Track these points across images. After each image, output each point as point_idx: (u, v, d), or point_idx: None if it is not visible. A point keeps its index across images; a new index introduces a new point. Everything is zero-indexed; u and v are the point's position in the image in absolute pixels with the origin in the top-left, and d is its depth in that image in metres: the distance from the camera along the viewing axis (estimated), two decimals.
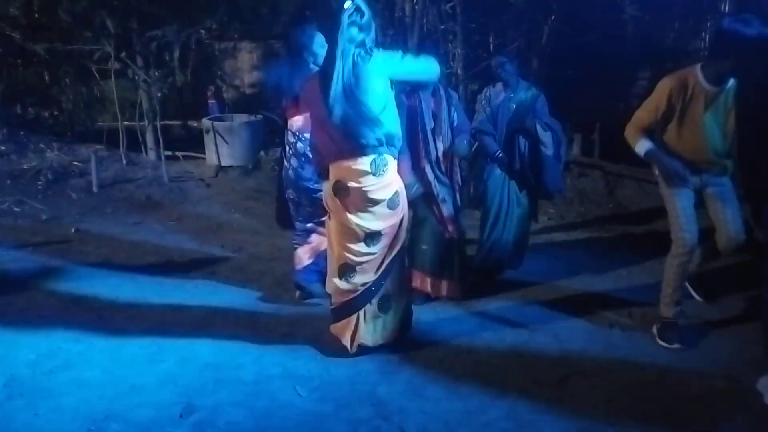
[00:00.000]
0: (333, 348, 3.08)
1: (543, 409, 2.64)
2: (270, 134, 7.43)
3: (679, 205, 3.07)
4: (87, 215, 5.56)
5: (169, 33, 6.74)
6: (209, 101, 8.03)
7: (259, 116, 7.41)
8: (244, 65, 8.79)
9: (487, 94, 3.98)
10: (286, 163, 3.61)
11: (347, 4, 2.81)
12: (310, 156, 3.30)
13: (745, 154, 2.85)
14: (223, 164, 6.91)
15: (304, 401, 2.70)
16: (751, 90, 2.82)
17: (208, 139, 6.96)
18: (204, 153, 7.12)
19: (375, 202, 2.91)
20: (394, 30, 6.28)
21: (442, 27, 6.23)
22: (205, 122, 7.07)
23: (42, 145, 7.18)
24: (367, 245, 2.97)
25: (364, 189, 2.88)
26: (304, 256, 3.69)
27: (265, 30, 8.34)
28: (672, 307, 3.19)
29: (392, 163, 2.96)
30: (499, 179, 3.95)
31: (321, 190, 3.14)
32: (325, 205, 3.07)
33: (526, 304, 3.71)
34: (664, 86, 3.01)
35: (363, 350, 3.06)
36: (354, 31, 2.80)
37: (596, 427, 2.52)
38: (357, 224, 2.93)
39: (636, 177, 5.97)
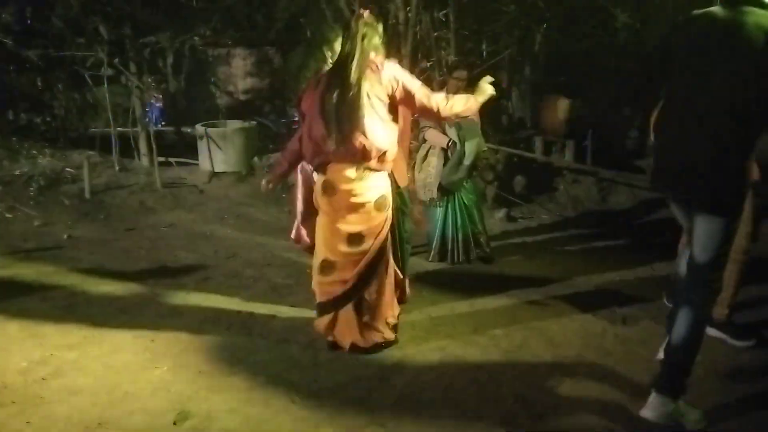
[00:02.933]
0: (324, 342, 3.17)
1: (537, 415, 2.64)
2: (264, 140, 7.45)
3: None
4: (79, 221, 5.53)
5: (163, 39, 6.75)
6: (151, 102, 7.76)
7: (253, 122, 7.42)
8: (238, 71, 8.80)
9: None
10: (299, 168, 3.55)
11: (365, 13, 2.87)
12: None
13: None
14: (216, 170, 6.90)
15: (298, 408, 2.69)
16: None
17: (202, 145, 6.96)
18: (197, 159, 7.11)
19: (361, 204, 2.98)
20: (387, 37, 6.30)
21: (435, 34, 6.25)
22: (199, 128, 7.06)
23: (34, 152, 7.15)
24: (350, 245, 3.02)
25: (351, 191, 2.95)
26: None
27: (259, 37, 8.36)
28: (726, 308, 3.23)
29: (381, 172, 3.02)
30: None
31: None
32: (314, 202, 3.12)
33: (520, 309, 3.71)
34: None
35: (334, 348, 3.15)
36: (373, 39, 2.86)
37: None
38: (340, 225, 2.99)
39: (629, 183, 6.00)
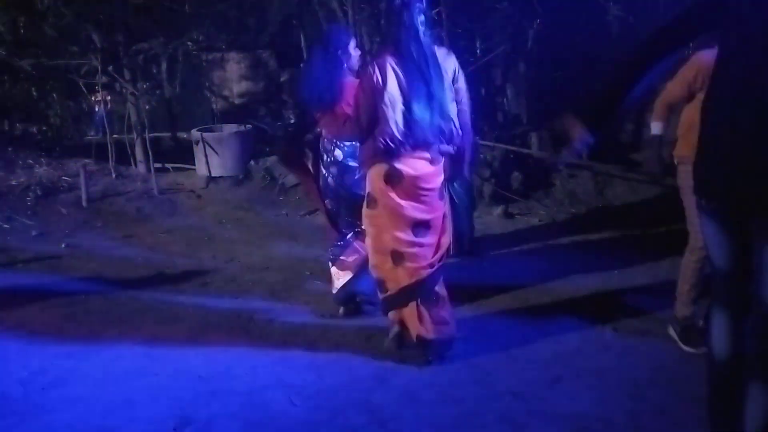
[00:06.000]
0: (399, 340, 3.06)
1: (537, 411, 2.65)
2: (260, 144, 7.44)
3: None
4: (77, 230, 5.53)
5: (156, 46, 6.74)
6: (97, 108, 7.58)
7: (249, 126, 7.41)
8: (233, 75, 8.77)
9: None
10: (324, 171, 3.53)
11: None
12: (351, 164, 3.33)
13: None
14: (213, 175, 6.89)
15: (298, 410, 2.70)
16: None
17: (198, 150, 6.95)
18: (194, 164, 7.11)
19: (427, 190, 2.93)
20: (380, 37, 6.30)
21: (429, 33, 6.25)
22: (195, 133, 7.06)
23: (30, 161, 7.13)
24: (416, 234, 2.95)
25: (418, 176, 2.89)
26: (341, 272, 3.54)
27: (253, 40, 8.35)
28: (690, 306, 3.10)
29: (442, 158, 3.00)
30: None
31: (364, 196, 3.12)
32: (371, 191, 3.00)
33: (518, 305, 3.71)
34: None
35: (423, 343, 3.00)
36: (422, 18, 2.86)
37: (591, 428, 2.53)
38: (406, 212, 2.92)
39: (625, 176, 6.00)
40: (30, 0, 6.48)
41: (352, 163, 3.35)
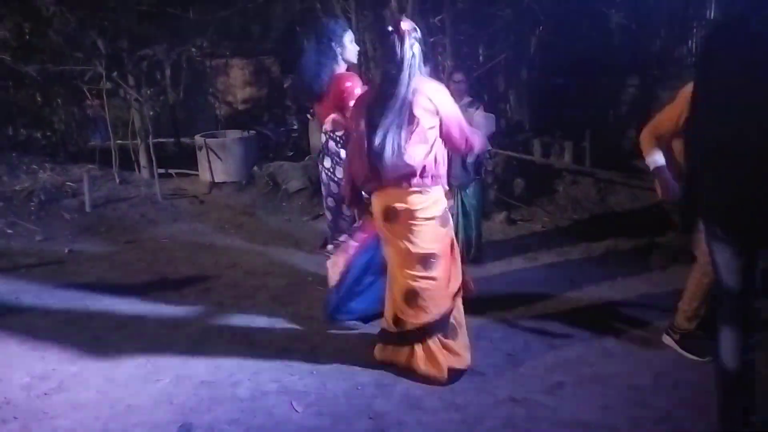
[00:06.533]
0: (425, 376, 2.93)
1: (539, 418, 2.64)
2: (263, 149, 7.47)
3: None
4: (80, 235, 5.55)
5: (160, 52, 6.77)
6: (91, 115, 7.50)
7: (252, 132, 7.44)
8: (237, 81, 8.82)
9: None
10: (320, 165, 3.49)
11: (406, 23, 2.72)
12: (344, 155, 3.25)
13: None
14: (216, 180, 6.92)
15: (301, 417, 2.70)
16: None
17: (201, 156, 6.98)
18: (197, 170, 7.13)
19: (426, 219, 2.83)
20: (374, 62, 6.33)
21: (432, 39, 6.27)
22: (198, 139, 7.09)
23: (34, 166, 7.17)
24: (425, 268, 2.85)
25: (413, 209, 2.80)
26: (333, 276, 3.51)
27: (256, 47, 8.39)
28: (693, 321, 3.12)
29: (438, 186, 2.88)
30: None
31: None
32: (378, 232, 3.00)
33: (520, 311, 3.71)
34: None
35: (455, 374, 2.93)
36: (416, 48, 2.71)
37: None
38: (408, 248, 2.84)
39: (628, 183, 6.00)
40: (35, 6, 6.51)
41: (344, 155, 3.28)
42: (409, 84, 2.68)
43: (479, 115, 4.44)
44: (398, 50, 2.68)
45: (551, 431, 2.57)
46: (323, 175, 3.47)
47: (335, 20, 3.47)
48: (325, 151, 3.44)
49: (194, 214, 6.18)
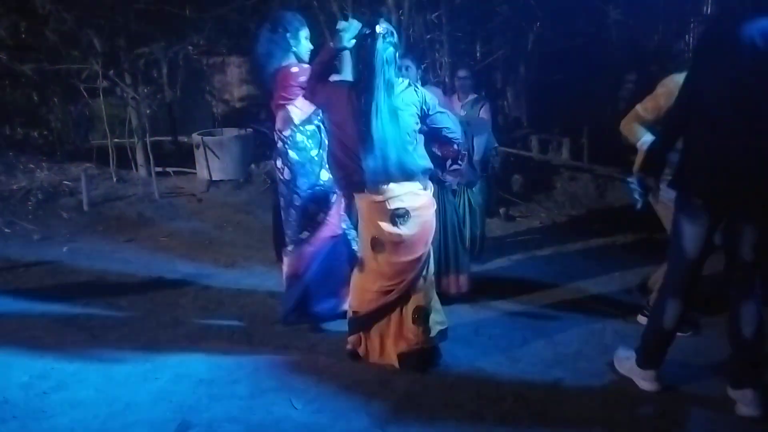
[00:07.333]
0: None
1: (539, 413, 2.65)
2: (260, 147, 7.45)
3: None
4: (78, 234, 5.53)
5: (157, 50, 6.75)
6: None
7: (249, 130, 7.42)
8: (234, 79, 8.80)
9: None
10: (273, 164, 3.41)
11: (381, 27, 2.72)
12: (296, 159, 3.21)
13: None
14: (214, 179, 6.91)
15: (299, 414, 2.69)
16: None
17: (199, 154, 6.97)
18: (195, 168, 7.12)
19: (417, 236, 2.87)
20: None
21: (429, 36, 6.27)
22: (195, 137, 7.07)
23: (31, 165, 7.16)
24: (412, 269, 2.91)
25: (399, 234, 2.83)
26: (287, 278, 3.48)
27: (253, 44, 8.35)
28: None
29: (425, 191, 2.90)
30: None
31: (306, 197, 3.17)
32: (376, 235, 2.91)
33: (519, 307, 3.72)
34: None
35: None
36: (390, 51, 2.71)
37: (593, 431, 2.52)
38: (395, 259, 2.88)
39: (626, 179, 6.00)
40: (31, 4, 6.49)
41: (303, 158, 3.24)
42: (380, 87, 2.68)
43: (485, 111, 4.44)
44: (372, 52, 2.68)
45: (551, 428, 2.57)
46: (276, 176, 3.38)
47: (293, 13, 3.41)
48: (276, 150, 3.34)
49: (192, 212, 6.17)
